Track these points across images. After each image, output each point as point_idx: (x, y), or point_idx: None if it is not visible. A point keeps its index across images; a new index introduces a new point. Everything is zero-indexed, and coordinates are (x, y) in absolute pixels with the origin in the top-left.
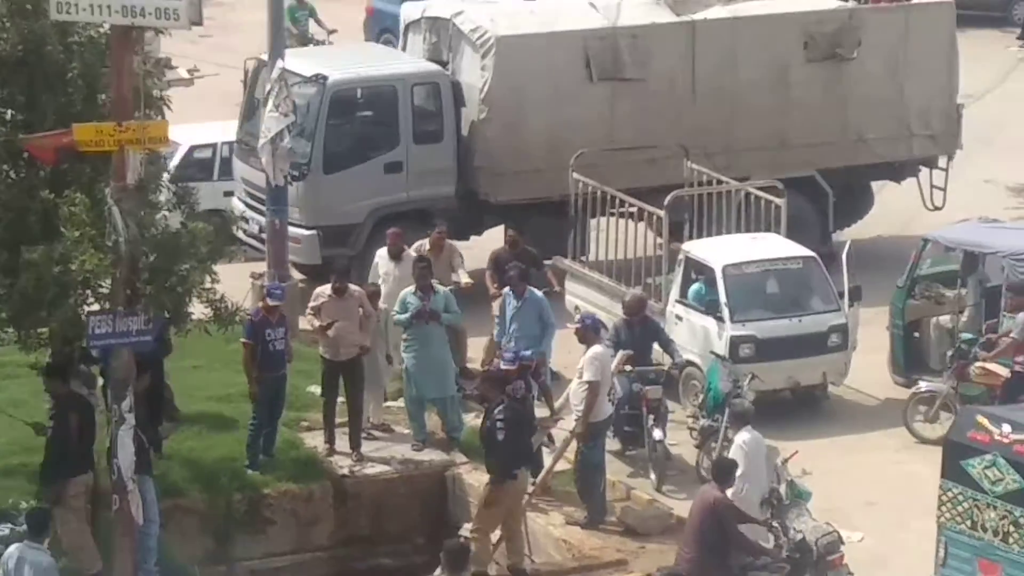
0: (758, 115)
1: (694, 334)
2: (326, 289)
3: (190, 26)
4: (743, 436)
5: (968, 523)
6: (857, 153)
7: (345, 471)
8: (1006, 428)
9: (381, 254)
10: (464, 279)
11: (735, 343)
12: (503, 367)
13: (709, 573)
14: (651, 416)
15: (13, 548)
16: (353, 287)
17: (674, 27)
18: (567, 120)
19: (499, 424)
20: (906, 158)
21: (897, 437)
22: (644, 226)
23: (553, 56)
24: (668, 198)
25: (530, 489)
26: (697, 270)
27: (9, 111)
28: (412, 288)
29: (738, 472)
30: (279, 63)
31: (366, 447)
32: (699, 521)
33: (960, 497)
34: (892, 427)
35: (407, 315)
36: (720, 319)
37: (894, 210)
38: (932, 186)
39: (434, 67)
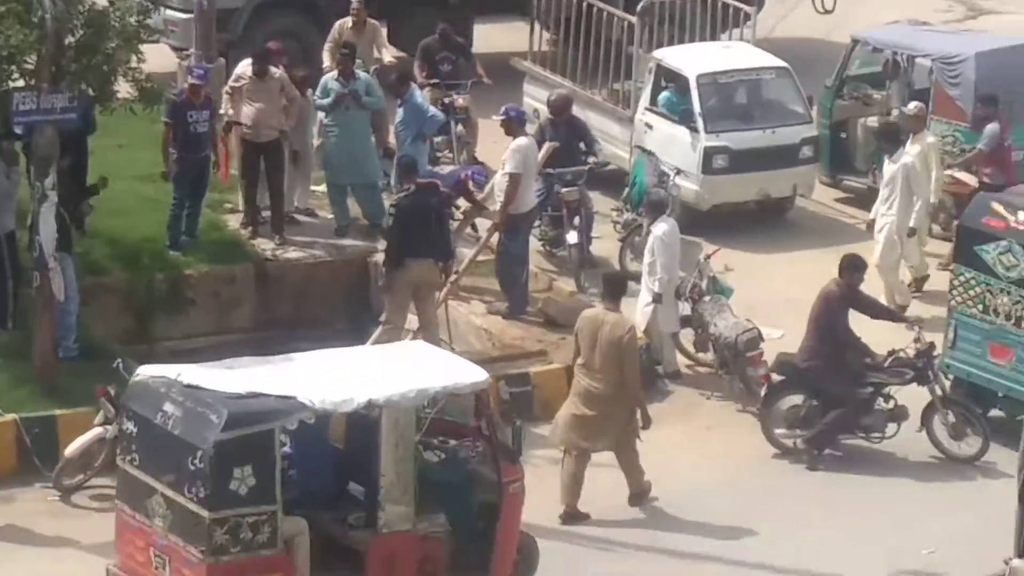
0: None
1: (665, 143)
2: (247, 71)
3: None
4: (661, 227)
5: (980, 307)
6: None
7: (268, 254)
8: (1022, 215)
9: (247, 64)
10: (387, 57)
11: (708, 154)
12: (472, 188)
13: (825, 363)
14: (575, 218)
15: None
16: (274, 70)
17: None
18: None
19: (391, 211)
20: None
21: (818, 240)
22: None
23: None
24: (640, 4)
25: (452, 278)
26: (669, 78)
27: None
28: (334, 73)
29: (660, 262)
30: None
31: (290, 231)
32: (814, 312)
33: (972, 282)
34: (815, 228)
35: (328, 100)
36: (694, 129)
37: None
38: None
39: None
